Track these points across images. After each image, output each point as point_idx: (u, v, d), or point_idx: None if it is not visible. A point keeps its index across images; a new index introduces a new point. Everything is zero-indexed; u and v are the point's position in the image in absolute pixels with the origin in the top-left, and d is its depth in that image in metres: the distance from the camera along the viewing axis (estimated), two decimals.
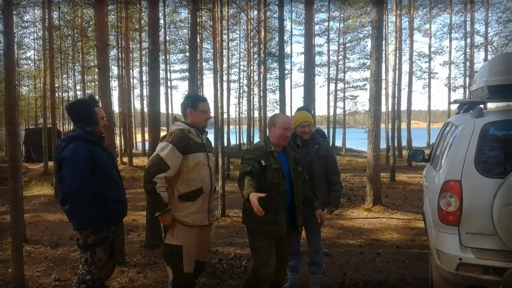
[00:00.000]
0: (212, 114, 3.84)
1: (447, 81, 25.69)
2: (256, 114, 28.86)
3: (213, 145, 8.99)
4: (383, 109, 17.38)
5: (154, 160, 3.06)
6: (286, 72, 31.97)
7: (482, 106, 3.77)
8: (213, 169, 3.38)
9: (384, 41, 15.91)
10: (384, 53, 17.99)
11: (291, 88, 31.11)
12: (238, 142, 31.44)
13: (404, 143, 20.09)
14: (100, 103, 4.13)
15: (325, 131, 29.86)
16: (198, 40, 17.74)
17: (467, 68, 23.35)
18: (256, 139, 27.62)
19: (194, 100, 3.28)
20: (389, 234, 6.01)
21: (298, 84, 34.95)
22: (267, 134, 3.35)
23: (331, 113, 30.57)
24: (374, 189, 7.68)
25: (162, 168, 3.04)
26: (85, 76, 24.00)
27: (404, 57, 19.05)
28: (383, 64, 16.26)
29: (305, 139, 3.79)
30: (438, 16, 25.11)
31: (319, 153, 3.73)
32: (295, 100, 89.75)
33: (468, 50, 22.76)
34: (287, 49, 28.25)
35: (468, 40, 22.59)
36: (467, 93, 22.60)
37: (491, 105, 4.23)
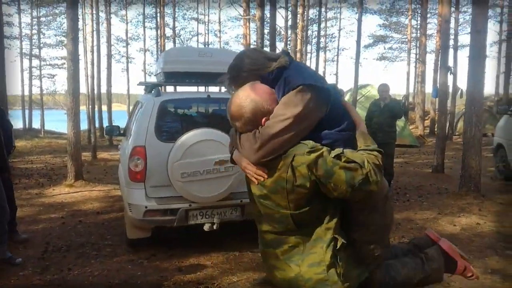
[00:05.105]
0: None
1: (143, 67, 27.74)
2: None
3: None
4: (84, 90, 17.37)
5: None
6: None
7: (160, 87, 4.72)
8: None
9: (82, 21, 15.84)
10: (82, 33, 17.83)
11: None
12: None
13: (105, 124, 20.63)
14: None
15: (20, 112, 26.65)
16: None
17: (159, 57, 25.92)
18: None
19: None
20: (90, 204, 6.50)
21: None
22: None
23: (27, 92, 27.71)
24: (75, 165, 7.93)
25: None
26: None
27: (102, 39, 19.47)
28: (82, 45, 16.18)
29: None
30: (134, 4, 26.56)
31: None
32: None
33: (159, 40, 25.24)
34: None
35: (160, 31, 25.04)
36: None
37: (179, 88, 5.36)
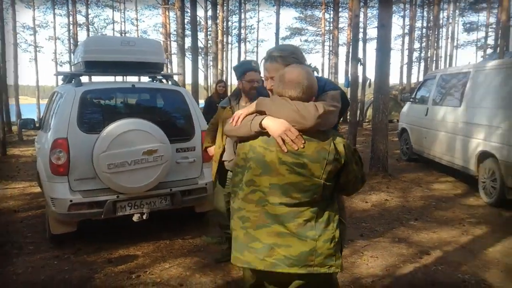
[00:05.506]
0: None
1: (54, 56, 25.95)
2: None
3: None
4: None
5: None
6: None
7: (80, 77, 4.57)
8: None
9: None
10: None
11: None
12: None
13: (13, 118, 19.04)
14: None
15: None
16: None
17: (72, 45, 24.52)
18: None
19: None
20: (5, 202, 6.08)
21: None
22: None
23: None
24: None
25: None
26: None
27: (7, 26, 17.88)
28: None
29: None
30: None
31: None
32: None
33: (72, 28, 23.79)
34: None
35: (72, 18, 23.59)
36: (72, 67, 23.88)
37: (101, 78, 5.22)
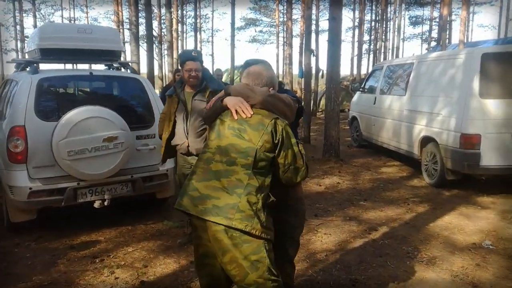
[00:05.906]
0: None
1: None
2: None
3: None
4: None
5: None
6: None
7: (36, 64, 4.49)
8: None
9: None
10: None
11: None
12: None
13: None
14: None
15: None
16: None
17: (18, 32, 23.31)
18: None
19: None
20: None
21: None
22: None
23: None
24: None
25: None
26: None
27: None
28: None
29: None
30: None
31: None
32: None
33: (17, 15, 22.57)
34: None
35: (17, 4, 22.37)
36: (19, 55, 22.83)
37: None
